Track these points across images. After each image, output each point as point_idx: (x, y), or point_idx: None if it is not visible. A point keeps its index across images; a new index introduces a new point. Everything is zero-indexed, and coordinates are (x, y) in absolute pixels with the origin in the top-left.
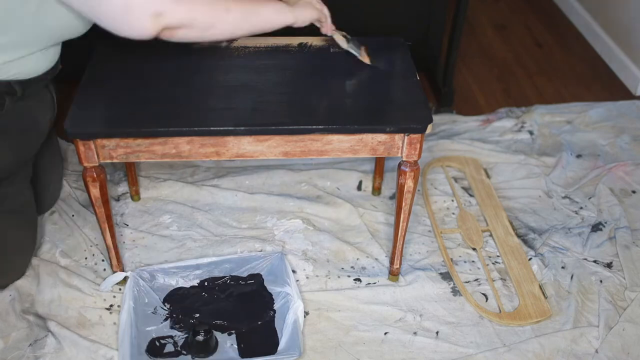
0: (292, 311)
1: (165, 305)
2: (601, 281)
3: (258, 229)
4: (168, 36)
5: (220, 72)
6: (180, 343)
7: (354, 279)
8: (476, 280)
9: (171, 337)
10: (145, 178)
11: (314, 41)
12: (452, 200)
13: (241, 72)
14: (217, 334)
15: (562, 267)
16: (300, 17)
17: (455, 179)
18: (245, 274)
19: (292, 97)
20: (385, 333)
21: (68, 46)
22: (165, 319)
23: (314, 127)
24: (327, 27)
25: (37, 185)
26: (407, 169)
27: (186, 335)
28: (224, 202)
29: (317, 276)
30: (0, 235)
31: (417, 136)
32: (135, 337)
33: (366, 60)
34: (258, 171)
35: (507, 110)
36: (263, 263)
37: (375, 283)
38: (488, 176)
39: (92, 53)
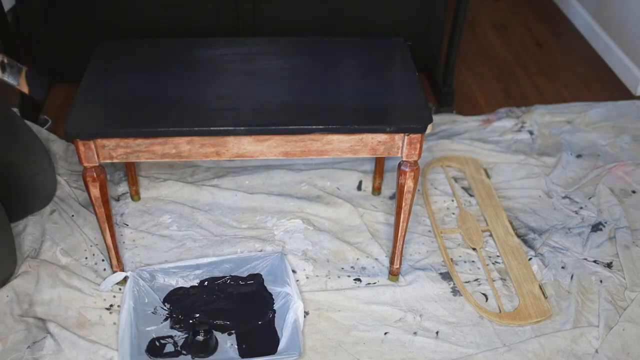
0: (292, 311)
1: (165, 305)
2: (601, 281)
3: (258, 229)
4: None
5: (220, 73)
6: (180, 343)
7: (354, 279)
8: (476, 280)
9: (171, 337)
10: (145, 178)
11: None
12: (452, 200)
13: (241, 72)
14: (217, 334)
15: (562, 267)
16: None
17: (455, 179)
18: (245, 274)
19: (292, 97)
20: (385, 333)
21: (68, 46)
22: (165, 319)
23: (314, 127)
24: None
25: (18, 181)
26: (407, 169)
27: (186, 335)
28: (224, 202)
29: (317, 276)
30: None
31: (417, 136)
32: (135, 337)
33: (24, 89)
34: (258, 171)
35: (507, 110)
36: (263, 263)
37: (375, 283)
38: (488, 176)
39: (92, 53)
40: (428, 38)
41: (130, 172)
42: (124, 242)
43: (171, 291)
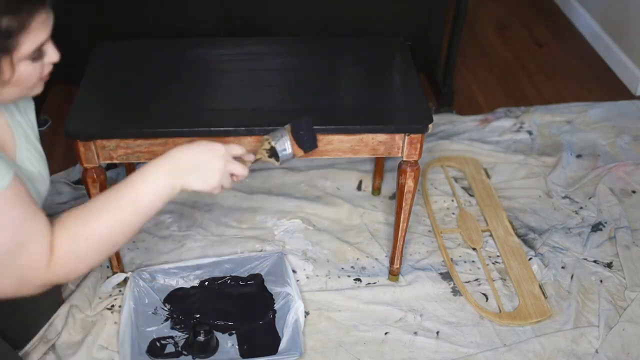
0: (292, 311)
1: (165, 306)
2: (601, 281)
3: (258, 229)
4: None
5: (220, 73)
6: (180, 343)
7: (354, 279)
8: (476, 280)
9: (172, 337)
10: None
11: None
12: (452, 200)
13: (241, 72)
14: (218, 334)
15: (562, 267)
16: (187, 185)
17: (455, 179)
18: (245, 274)
19: (292, 97)
20: (386, 333)
21: (68, 46)
22: (166, 320)
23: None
24: (248, 158)
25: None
26: (407, 169)
27: (187, 335)
28: (224, 202)
29: (317, 276)
30: None
31: (417, 136)
32: (136, 338)
33: (299, 152)
34: (258, 171)
35: (506, 110)
36: (263, 263)
37: (375, 283)
38: (488, 176)
39: (92, 53)
40: (428, 38)
41: (131, 172)
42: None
43: (171, 292)
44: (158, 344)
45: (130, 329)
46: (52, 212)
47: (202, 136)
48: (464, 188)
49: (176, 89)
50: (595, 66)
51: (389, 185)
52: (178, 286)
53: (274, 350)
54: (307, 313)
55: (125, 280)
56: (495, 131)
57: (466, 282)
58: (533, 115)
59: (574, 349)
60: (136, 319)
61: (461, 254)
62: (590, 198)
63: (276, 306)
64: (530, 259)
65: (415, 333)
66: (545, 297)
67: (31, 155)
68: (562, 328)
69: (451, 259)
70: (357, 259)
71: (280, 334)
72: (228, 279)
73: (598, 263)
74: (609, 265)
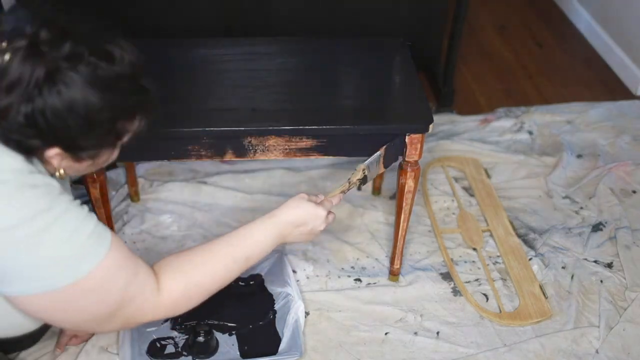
0: (293, 311)
1: None
2: (602, 281)
3: None
4: None
5: (220, 73)
6: (180, 344)
7: (354, 279)
8: (476, 280)
9: (172, 338)
10: (145, 179)
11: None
12: (453, 200)
13: (241, 72)
14: (218, 335)
15: (563, 267)
16: (290, 242)
17: (456, 179)
18: (245, 274)
19: (292, 97)
20: (386, 333)
21: None
22: (166, 320)
23: (314, 127)
24: (337, 199)
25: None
26: (407, 169)
27: (187, 336)
28: (224, 202)
29: (317, 276)
30: None
31: (417, 136)
32: (136, 339)
33: (381, 169)
34: (258, 171)
35: (506, 110)
36: (263, 263)
37: (375, 283)
38: (488, 176)
39: None
40: (428, 38)
41: (130, 172)
42: (124, 243)
43: None
44: (158, 345)
45: (130, 330)
46: None
47: (202, 136)
48: (464, 188)
49: (176, 89)
50: (595, 66)
51: (389, 185)
52: None
53: (274, 351)
54: (307, 313)
55: None
56: (495, 131)
57: (466, 282)
58: (533, 115)
59: (574, 349)
60: None
61: (461, 254)
62: (590, 198)
63: (276, 306)
64: (530, 259)
65: (416, 333)
66: (546, 297)
67: None
68: (562, 328)
69: (451, 259)
70: (357, 259)
71: (280, 334)
72: None
73: (598, 263)
74: (610, 266)
